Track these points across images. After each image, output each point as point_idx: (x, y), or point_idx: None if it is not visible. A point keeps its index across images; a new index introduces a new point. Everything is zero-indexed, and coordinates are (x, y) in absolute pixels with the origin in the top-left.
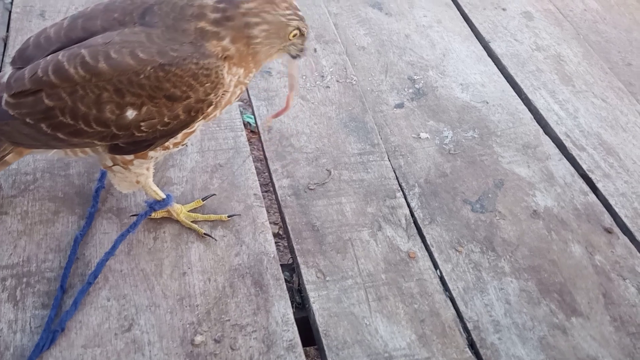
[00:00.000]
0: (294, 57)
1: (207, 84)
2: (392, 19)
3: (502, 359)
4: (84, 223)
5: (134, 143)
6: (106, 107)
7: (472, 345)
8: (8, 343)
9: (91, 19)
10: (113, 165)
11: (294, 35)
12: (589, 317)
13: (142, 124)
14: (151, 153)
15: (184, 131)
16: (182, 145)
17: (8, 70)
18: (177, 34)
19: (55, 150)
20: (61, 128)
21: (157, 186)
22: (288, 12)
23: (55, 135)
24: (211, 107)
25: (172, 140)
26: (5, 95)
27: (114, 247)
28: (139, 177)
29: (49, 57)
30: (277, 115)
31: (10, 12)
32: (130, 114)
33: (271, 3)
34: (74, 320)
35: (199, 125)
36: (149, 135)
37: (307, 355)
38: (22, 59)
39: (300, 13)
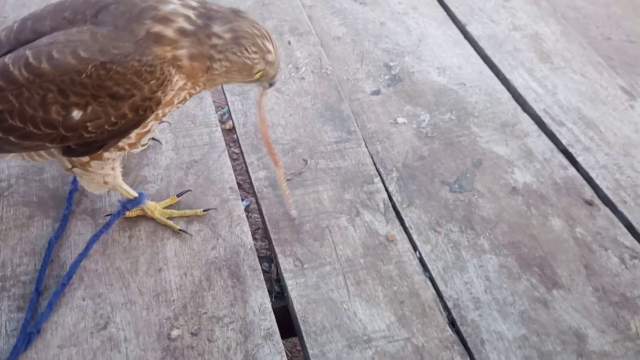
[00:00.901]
0: (263, 88)
1: (152, 81)
2: (367, 8)
3: (483, 335)
4: (58, 225)
5: (85, 144)
6: (52, 108)
7: (452, 323)
8: None
9: (40, 20)
10: (72, 168)
11: (260, 75)
12: (570, 289)
13: (88, 124)
14: (106, 154)
15: (136, 131)
16: (143, 145)
17: None
18: (123, 33)
19: (11, 155)
20: (12, 131)
21: (132, 185)
22: (255, 56)
23: (7, 139)
24: (161, 106)
25: (126, 141)
26: None
27: (87, 248)
28: (106, 178)
29: None
30: (288, 200)
31: None
32: (76, 114)
33: (239, 45)
34: (49, 321)
35: (153, 125)
36: (98, 135)
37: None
38: None
39: (270, 56)
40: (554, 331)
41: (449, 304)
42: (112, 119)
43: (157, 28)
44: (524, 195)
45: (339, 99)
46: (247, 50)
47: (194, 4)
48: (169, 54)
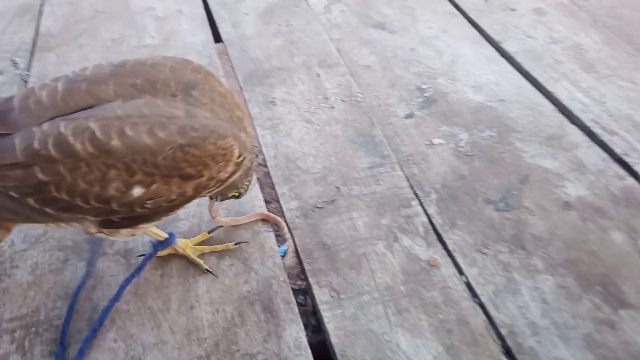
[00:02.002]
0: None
1: (221, 163)
2: (396, 36)
3: None
4: (85, 271)
5: (130, 218)
6: (111, 185)
7: (508, 352)
8: None
9: (99, 84)
10: (97, 233)
11: (232, 195)
12: (639, 308)
13: (147, 202)
14: (142, 225)
15: (186, 205)
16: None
17: None
18: (219, 119)
19: (36, 225)
20: (52, 203)
21: (164, 223)
22: (247, 184)
23: (42, 210)
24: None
25: (166, 214)
26: None
27: (119, 293)
28: (134, 233)
29: (45, 127)
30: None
31: (26, 82)
32: (137, 192)
33: (247, 174)
34: None
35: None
36: (150, 212)
37: None
38: (5, 124)
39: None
40: (625, 355)
41: (503, 331)
42: (173, 196)
43: (243, 136)
44: (579, 210)
45: (371, 124)
46: (247, 179)
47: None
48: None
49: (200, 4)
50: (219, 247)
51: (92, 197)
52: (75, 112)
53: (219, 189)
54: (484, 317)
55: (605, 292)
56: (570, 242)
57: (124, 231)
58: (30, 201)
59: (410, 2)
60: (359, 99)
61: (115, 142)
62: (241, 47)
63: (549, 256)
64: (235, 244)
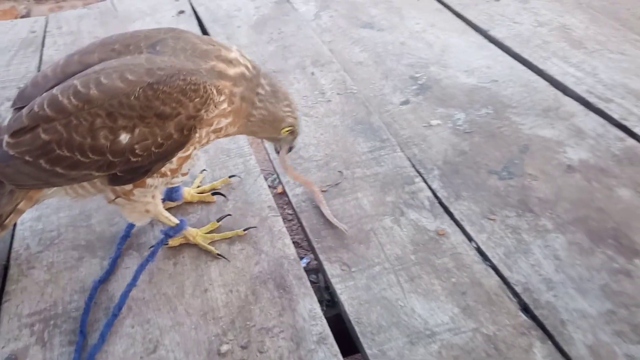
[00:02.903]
0: (282, 150)
1: (196, 99)
2: (385, 33)
3: (562, 316)
4: (106, 267)
5: (131, 171)
6: (100, 134)
7: (525, 308)
8: None
9: (87, 53)
10: (116, 198)
11: (286, 133)
12: None
13: (136, 146)
14: (149, 181)
15: (179, 155)
16: (183, 174)
17: (10, 115)
18: (186, 63)
19: (55, 189)
20: (59, 162)
21: (175, 213)
22: (287, 109)
23: (54, 171)
24: (204, 129)
25: (169, 166)
26: (5, 137)
27: (135, 278)
28: (147, 206)
29: (45, 94)
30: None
31: None
32: (124, 137)
33: (277, 98)
34: (99, 351)
35: (194, 151)
36: (144, 159)
37: None
38: (21, 100)
39: (296, 119)
40: None
41: (518, 289)
42: (159, 139)
43: (221, 67)
44: (582, 172)
45: (368, 112)
46: (282, 103)
47: (248, 57)
48: (228, 90)
49: (195, 23)
50: (229, 233)
51: (88, 148)
52: (68, 78)
53: (217, 134)
54: (497, 278)
55: (618, 244)
56: (577, 202)
57: (136, 192)
58: (42, 162)
59: (395, 3)
60: (355, 91)
61: (94, 92)
62: None
63: (557, 216)
64: (245, 230)
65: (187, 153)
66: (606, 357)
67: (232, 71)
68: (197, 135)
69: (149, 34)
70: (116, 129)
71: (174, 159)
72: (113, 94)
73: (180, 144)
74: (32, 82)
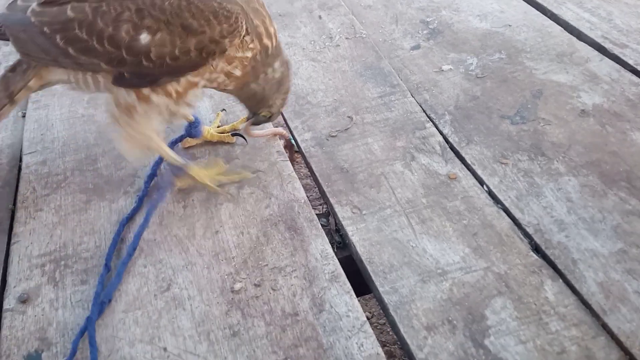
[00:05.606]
0: (252, 119)
1: (224, 24)
2: None
3: (573, 255)
4: (133, 205)
5: (138, 74)
6: (123, 27)
7: (536, 249)
8: (51, 319)
9: None
10: (119, 116)
11: (264, 115)
12: None
13: (152, 49)
14: (153, 97)
15: (189, 77)
16: (188, 105)
17: None
18: None
19: (61, 72)
20: (74, 42)
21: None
22: (279, 101)
23: (65, 50)
24: (220, 63)
25: (175, 86)
26: (34, 4)
27: (146, 219)
28: (150, 143)
29: None
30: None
31: None
32: (144, 37)
33: (278, 86)
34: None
35: (201, 82)
36: (155, 67)
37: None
38: None
39: (283, 108)
40: None
41: (529, 230)
42: (176, 51)
43: (261, 30)
44: (596, 116)
45: (378, 57)
46: (280, 94)
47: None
48: (255, 50)
49: None
50: (237, 176)
51: (106, 37)
52: None
53: (224, 79)
54: (508, 220)
55: (631, 187)
56: (590, 146)
57: (140, 108)
58: (58, 38)
59: None
60: (364, 36)
61: None
62: None
63: (570, 159)
64: (253, 173)
65: (196, 80)
66: (616, 294)
67: (265, 40)
68: (214, 63)
69: None
70: (140, 27)
71: (183, 80)
72: None
73: (194, 65)
74: None
